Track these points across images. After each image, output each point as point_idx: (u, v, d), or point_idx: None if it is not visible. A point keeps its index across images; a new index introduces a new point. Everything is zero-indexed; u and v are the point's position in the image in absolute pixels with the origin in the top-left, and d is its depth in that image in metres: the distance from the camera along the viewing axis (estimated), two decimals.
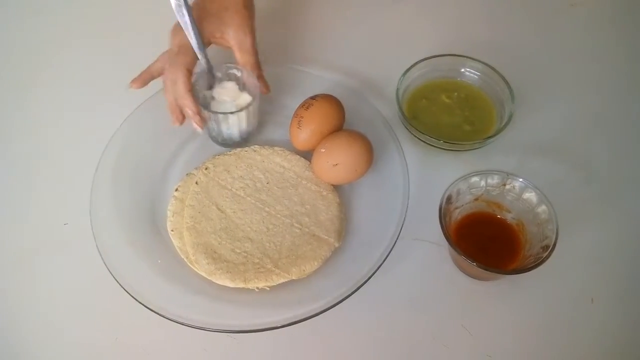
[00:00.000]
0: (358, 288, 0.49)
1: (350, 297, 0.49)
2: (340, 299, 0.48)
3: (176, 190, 0.57)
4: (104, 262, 0.50)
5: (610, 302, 0.52)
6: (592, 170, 0.59)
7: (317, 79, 0.63)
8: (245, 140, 0.61)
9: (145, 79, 0.58)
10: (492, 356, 0.49)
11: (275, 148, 0.59)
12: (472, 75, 0.63)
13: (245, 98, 0.58)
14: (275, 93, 0.63)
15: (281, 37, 0.71)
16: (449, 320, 0.51)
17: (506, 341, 0.50)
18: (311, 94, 0.58)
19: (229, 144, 0.61)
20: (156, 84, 0.59)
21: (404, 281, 0.53)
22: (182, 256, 0.53)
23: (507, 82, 0.60)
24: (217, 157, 0.59)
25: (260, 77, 0.59)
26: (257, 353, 0.50)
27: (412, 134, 0.60)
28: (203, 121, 0.56)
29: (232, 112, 0.56)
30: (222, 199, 0.56)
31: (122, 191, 0.56)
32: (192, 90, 0.55)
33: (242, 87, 0.59)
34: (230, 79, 0.59)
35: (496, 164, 0.58)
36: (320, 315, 0.48)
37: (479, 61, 0.62)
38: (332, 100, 0.58)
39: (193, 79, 0.56)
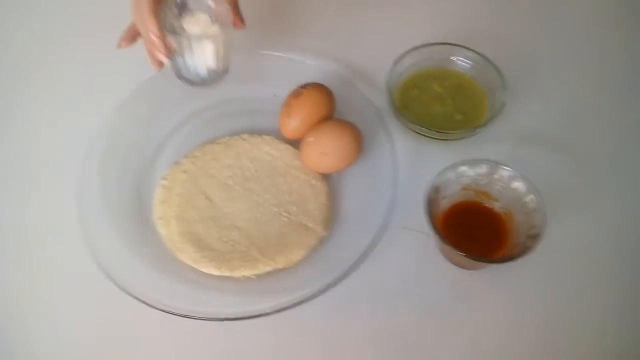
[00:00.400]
0: (344, 277, 0.49)
1: (338, 285, 0.49)
2: (326, 287, 0.48)
3: (163, 178, 0.56)
4: (89, 251, 0.50)
5: (599, 291, 0.51)
6: (582, 161, 0.58)
7: (308, 67, 0.63)
8: (213, 81, 0.56)
9: (132, 34, 0.54)
10: (480, 345, 0.49)
11: (265, 137, 0.59)
12: (464, 64, 0.62)
13: (217, 31, 0.53)
14: (265, 81, 0.63)
15: (271, 25, 0.70)
16: (437, 308, 0.51)
17: (493, 329, 0.50)
18: (302, 83, 0.58)
19: (196, 82, 0.56)
20: (140, 75, 0.60)
21: (392, 270, 0.53)
22: (169, 244, 0.53)
23: (499, 71, 0.59)
24: (205, 145, 0.59)
25: (235, 8, 0.55)
26: (244, 341, 0.50)
27: (402, 123, 0.60)
28: (168, 50, 0.52)
29: (197, 37, 0.52)
30: (210, 187, 0.55)
31: (109, 180, 0.56)
32: (159, 16, 0.51)
33: (215, 19, 0.54)
34: (202, 10, 0.54)
35: (487, 153, 0.57)
36: (306, 303, 0.48)
37: (471, 50, 0.61)
38: (322, 89, 0.57)
39: (163, 5, 0.52)
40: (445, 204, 0.52)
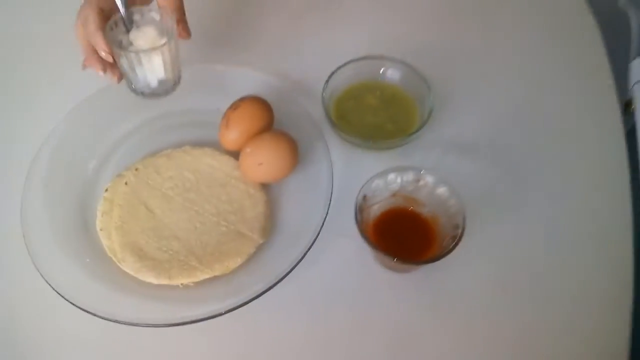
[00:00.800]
0: (278, 282, 0.51)
1: (274, 290, 0.51)
2: (260, 293, 0.50)
3: (106, 190, 0.58)
4: (32, 261, 0.51)
5: (518, 287, 0.55)
6: (504, 166, 0.62)
7: (250, 80, 0.65)
8: (165, 91, 0.58)
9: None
10: (410, 343, 0.52)
11: (206, 148, 0.61)
12: (395, 76, 0.65)
13: (163, 43, 0.54)
14: (208, 94, 0.65)
15: (215, 38, 0.72)
16: (370, 310, 0.54)
17: (424, 327, 0.53)
18: (242, 95, 0.60)
19: (148, 93, 0.58)
20: (93, 85, 0.62)
21: (327, 275, 0.56)
22: (110, 255, 0.54)
23: (427, 82, 0.63)
24: (147, 158, 0.60)
25: (181, 21, 0.56)
26: (182, 346, 0.52)
27: (338, 134, 0.63)
28: (117, 67, 0.54)
29: (145, 51, 0.54)
30: (151, 199, 0.57)
31: (55, 192, 0.57)
32: (106, 32, 0.53)
33: (162, 32, 0.56)
34: (148, 24, 0.56)
35: (417, 161, 0.61)
36: (244, 308, 0.50)
37: (402, 62, 0.65)
38: (259, 102, 0.60)
39: (110, 22, 0.54)
40: (375, 210, 0.55)
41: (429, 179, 0.55)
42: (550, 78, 0.70)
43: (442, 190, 0.54)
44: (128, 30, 0.55)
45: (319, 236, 0.55)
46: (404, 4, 0.78)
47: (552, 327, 0.53)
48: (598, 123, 0.66)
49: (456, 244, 0.50)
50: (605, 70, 0.70)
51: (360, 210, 0.53)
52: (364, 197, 0.53)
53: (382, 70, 0.66)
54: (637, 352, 0.51)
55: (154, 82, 0.57)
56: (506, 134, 0.65)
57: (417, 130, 0.61)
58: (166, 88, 0.59)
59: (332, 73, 0.64)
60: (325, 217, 0.55)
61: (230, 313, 0.50)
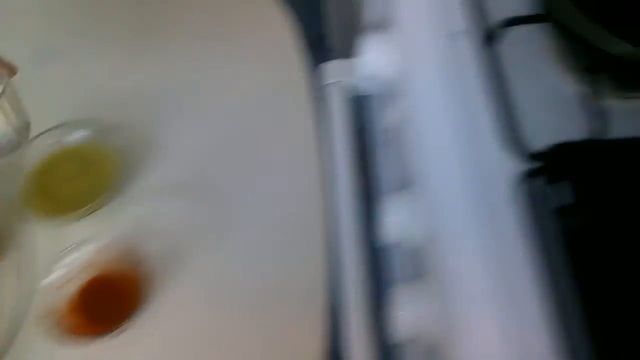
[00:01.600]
0: None
1: None
2: None
3: None
4: None
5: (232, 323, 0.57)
6: (211, 201, 0.63)
7: None
8: (25, 137, 0.59)
9: None
10: None
11: None
12: (91, 137, 0.63)
13: None
14: None
15: None
16: None
17: None
18: None
19: (13, 144, 0.58)
20: None
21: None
22: None
23: (122, 135, 0.62)
24: None
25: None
26: None
27: (36, 216, 0.61)
28: None
29: None
30: None
31: None
32: None
33: None
34: None
35: (132, 214, 0.62)
36: None
37: (94, 121, 0.63)
38: None
39: None
40: (70, 289, 0.55)
41: (110, 241, 0.55)
42: (253, 106, 0.69)
43: (129, 245, 0.55)
44: None
45: (23, 326, 0.55)
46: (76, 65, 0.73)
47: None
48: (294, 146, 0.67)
49: (145, 298, 0.53)
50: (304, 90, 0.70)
51: (46, 301, 0.52)
52: (47, 285, 0.53)
53: (75, 134, 0.64)
54: None
55: (10, 133, 0.58)
56: (213, 170, 0.65)
57: (118, 187, 0.60)
58: (25, 133, 0.58)
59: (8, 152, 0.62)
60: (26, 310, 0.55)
61: None
